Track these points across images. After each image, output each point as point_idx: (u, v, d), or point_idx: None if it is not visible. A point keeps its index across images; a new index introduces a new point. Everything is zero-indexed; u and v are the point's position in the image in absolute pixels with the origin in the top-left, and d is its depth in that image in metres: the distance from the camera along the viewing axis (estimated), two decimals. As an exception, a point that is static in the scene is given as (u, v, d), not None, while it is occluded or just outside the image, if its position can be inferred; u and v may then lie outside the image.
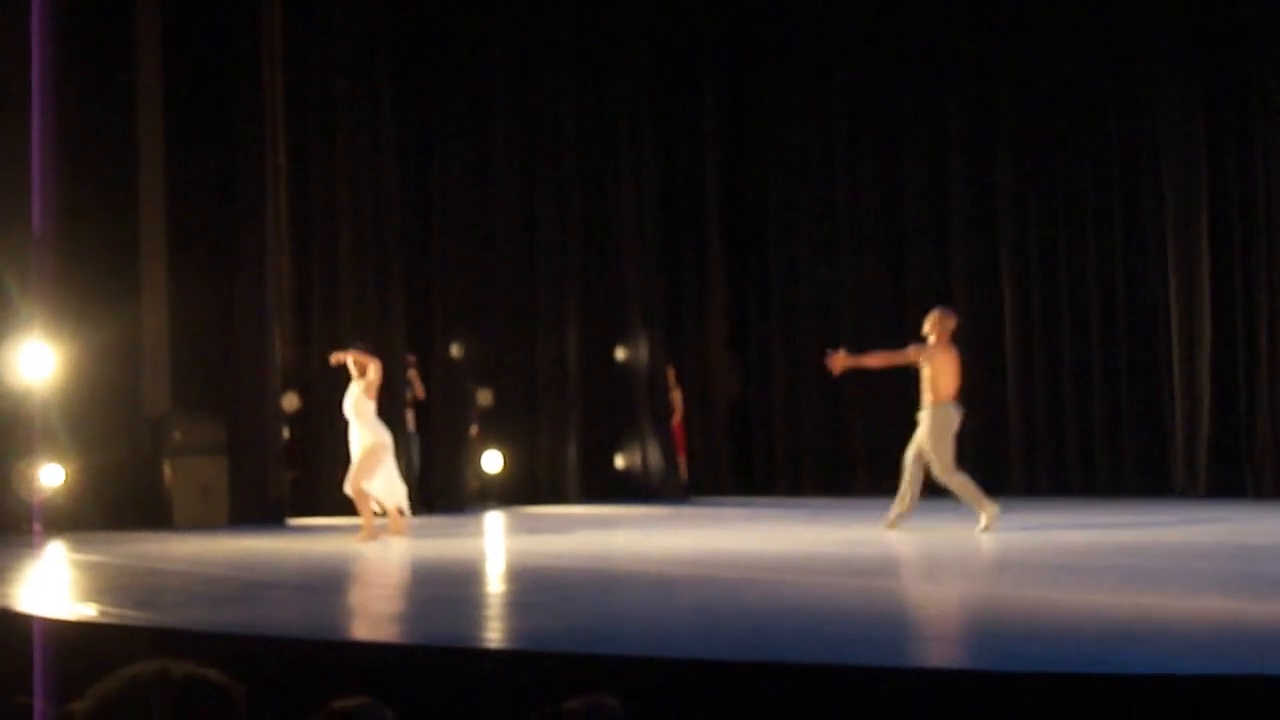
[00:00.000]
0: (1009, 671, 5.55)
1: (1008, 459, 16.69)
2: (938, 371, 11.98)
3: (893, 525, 12.05)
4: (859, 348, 17.73)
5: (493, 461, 17.30)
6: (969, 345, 17.20)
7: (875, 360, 12.76)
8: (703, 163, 18.72)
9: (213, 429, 14.76)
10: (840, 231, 18.21)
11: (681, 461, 18.16)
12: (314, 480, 15.67)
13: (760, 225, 18.87)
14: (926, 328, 12.22)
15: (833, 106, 18.25)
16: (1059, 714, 5.00)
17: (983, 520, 11.67)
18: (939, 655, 6.69)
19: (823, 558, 10.68)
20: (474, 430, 17.07)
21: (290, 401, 15.60)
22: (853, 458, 17.91)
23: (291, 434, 15.64)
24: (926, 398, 12.03)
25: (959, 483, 11.83)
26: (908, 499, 12.05)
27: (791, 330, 18.52)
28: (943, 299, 17.40)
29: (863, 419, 17.93)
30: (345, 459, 15.52)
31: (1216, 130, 15.29)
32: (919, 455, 11.96)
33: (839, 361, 12.42)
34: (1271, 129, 14.93)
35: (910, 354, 12.22)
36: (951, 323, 12.29)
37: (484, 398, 17.22)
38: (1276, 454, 14.80)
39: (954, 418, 11.94)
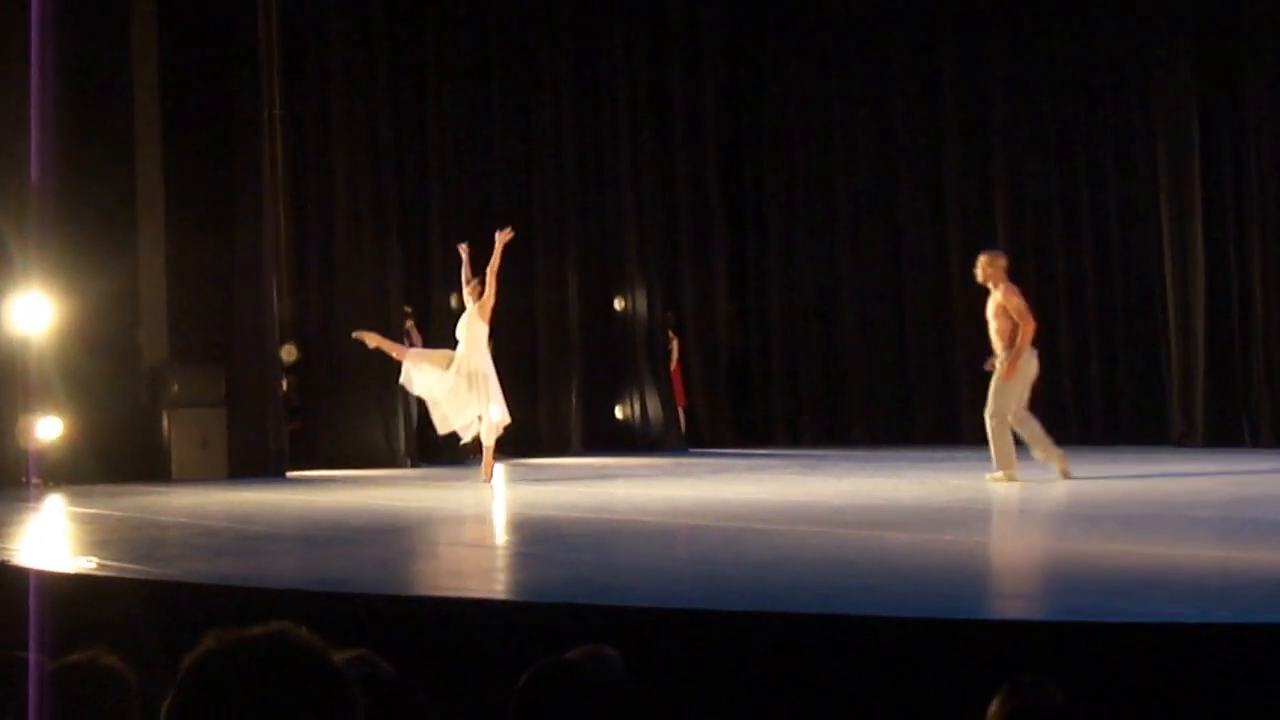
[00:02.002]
0: (1010, 620, 5.54)
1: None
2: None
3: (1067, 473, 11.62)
4: (857, 299, 17.81)
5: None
6: (964, 301, 17.26)
7: (1021, 341, 11.59)
8: (702, 111, 18.64)
9: (211, 381, 14.72)
10: (836, 188, 18.15)
11: (680, 411, 18.15)
12: (313, 432, 15.67)
13: (760, 174, 18.81)
14: (990, 274, 11.71)
15: (831, 70, 18.17)
16: (1063, 663, 4.98)
17: (999, 474, 11.50)
18: (936, 605, 6.68)
19: (821, 508, 10.66)
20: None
21: (289, 353, 15.57)
22: (851, 409, 17.92)
23: (290, 386, 15.60)
24: (1000, 343, 11.56)
25: (1024, 421, 11.48)
26: (1045, 441, 11.67)
27: (791, 281, 18.50)
28: (938, 259, 17.45)
29: (861, 371, 17.93)
30: (352, 410, 15.46)
31: (1209, 83, 15.22)
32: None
33: (1008, 370, 11.55)
34: (1263, 88, 14.84)
35: (1023, 309, 11.52)
36: (1004, 261, 11.90)
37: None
38: (1274, 403, 14.77)
39: (1033, 362, 11.58)
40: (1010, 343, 11.49)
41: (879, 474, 13.15)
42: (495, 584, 7.39)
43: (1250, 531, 8.55)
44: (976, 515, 10.06)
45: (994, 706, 3.04)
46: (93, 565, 7.80)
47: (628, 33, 18.06)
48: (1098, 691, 4.65)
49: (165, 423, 14.53)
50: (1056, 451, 11.59)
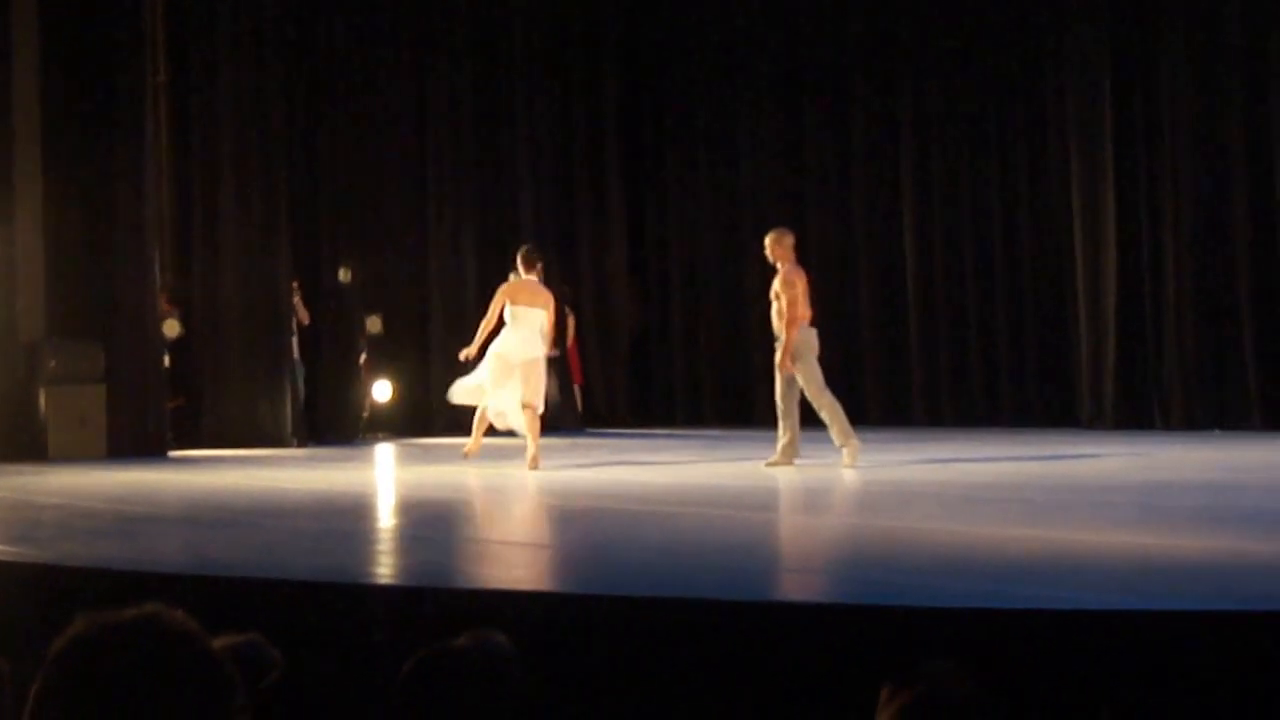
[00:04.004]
0: (912, 606, 5.46)
1: (910, 390, 16.66)
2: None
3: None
4: (760, 275, 17.68)
5: (383, 391, 17.02)
6: (872, 277, 17.27)
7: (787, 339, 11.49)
8: (602, 84, 18.48)
9: (90, 356, 14.36)
10: (740, 157, 18.04)
11: (576, 390, 17.99)
12: (196, 411, 15.38)
13: (660, 149, 18.68)
14: (778, 253, 11.61)
15: (736, 30, 18.05)
16: (966, 648, 4.88)
17: (846, 457, 11.40)
18: (837, 590, 6.60)
19: (721, 490, 10.58)
20: (363, 359, 16.79)
21: (171, 328, 15.25)
22: (752, 388, 17.81)
23: (172, 362, 15.29)
24: (779, 323, 11.46)
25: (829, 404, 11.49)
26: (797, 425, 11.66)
27: (692, 258, 18.38)
28: (844, 233, 17.40)
29: (762, 349, 17.83)
30: (237, 387, 15.23)
31: (1120, 62, 15.23)
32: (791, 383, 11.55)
33: (784, 363, 11.46)
34: (1177, 71, 14.88)
35: (796, 298, 11.42)
36: (791, 240, 11.76)
37: (373, 325, 16.90)
38: (1184, 385, 14.83)
39: (815, 340, 11.55)
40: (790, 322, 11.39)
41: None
42: (383, 568, 7.30)
43: (1159, 516, 8.54)
44: (884, 500, 9.99)
45: (890, 694, 2.95)
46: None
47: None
48: (1004, 678, 4.56)
49: (42, 400, 14.18)
50: (793, 440, 11.48)
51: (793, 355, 11.42)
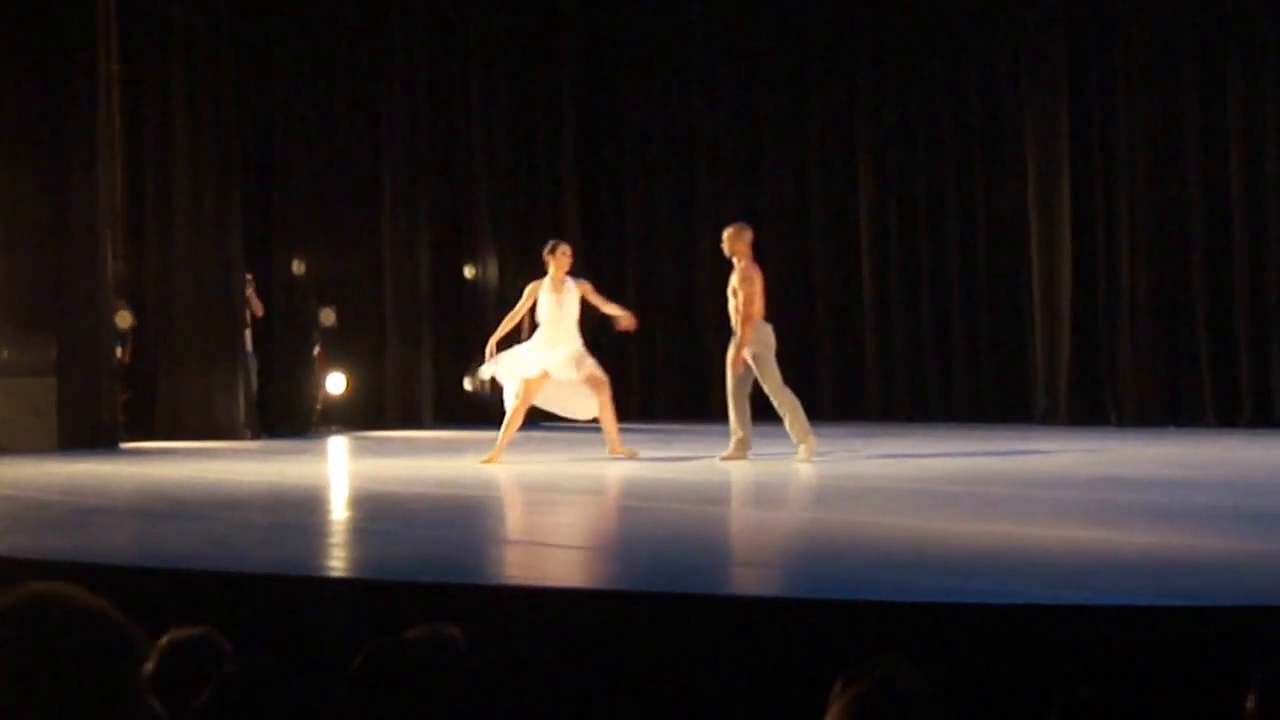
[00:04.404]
0: (865, 600, 5.46)
1: (865, 385, 16.69)
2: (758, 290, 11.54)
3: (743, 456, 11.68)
4: (716, 273, 17.68)
5: (336, 383, 16.94)
6: (826, 269, 17.28)
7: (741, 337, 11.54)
8: (558, 76, 18.40)
9: (41, 346, 14.25)
10: (697, 155, 18.03)
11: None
12: (148, 402, 15.26)
13: (616, 142, 18.62)
14: (737, 248, 11.58)
15: (692, 28, 18.04)
16: (920, 643, 4.89)
17: (801, 451, 11.42)
18: (790, 584, 6.61)
19: (674, 484, 10.57)
20: (316, 351, 16.71)
21: (123, 318, 15.14)
22: (710, 382, 17.77)
23: (124, 353, 15.17)
24: (737, 320, 11.47)
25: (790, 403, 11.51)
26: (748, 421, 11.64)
27: (647, 251, 18.34)
28: (800, 228, 17.40)
29: (718, 343, 17.81)
30: (190, 379, 15.13)
31: (1077, 61, 15.28)
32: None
33: (735, 363, 11.55)
34: (1134, 67, 14.94)
35: (752, 296, 11.44)
36: (750, 235, 11.72)
37: (327, 317, 16.82)
38: (1138, 382, 14.90)
39: (771, 337, 11.54)
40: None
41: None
42: (336, 560, 7.26)
43: (1112, 512, 8.57)
44: (840, 494, 10.01)
45: (839, 687, 2.96)
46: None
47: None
48: (957, 672, 4.57)
49: (-8, 390, 14.05)
50: (746, 435, 11.47)
51: (752, 353, 11.41)
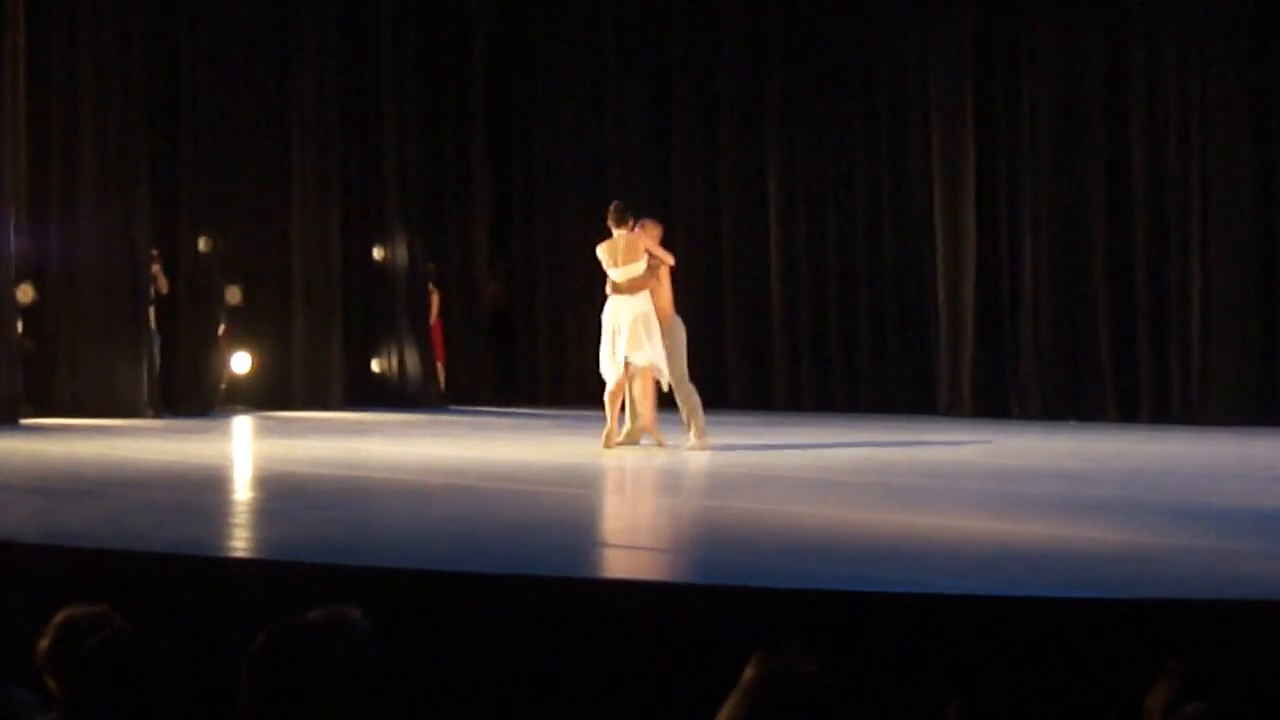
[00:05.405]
0: (766, 587, 5.49)
1: (771, 374, 16.73)
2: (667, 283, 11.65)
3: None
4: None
5: (241, 363, 16.77)
6: (735, 262, 17.31)
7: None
8: (468, 58, 18.27)
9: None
10: (607, 137, 17.98)
11: (440, 367, 17.85)
12: (49, 378, 15.02)
13: (527, 129, 18.53)
14: (648, 243, 11.62)
15: (604, 10, 17.97)
16: (820, 630, 4.92)
17: (695, 442, 11.45)
18: (692, 570, 6.62)
19: (583, 470, 10.56)
20: (222, 329, 16.53)
21: (25, 293, 14.89)
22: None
23: (25, 328, 14.93)
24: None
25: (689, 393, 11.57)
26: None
27: (557, 235, 18.26)
28: (710, 211, 17.42)
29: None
30: (92, 355, 14.88)
31: (982, 55, 15.38)
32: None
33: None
34: (1040, 58, 15.06)
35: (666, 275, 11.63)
36: (658, 231, 11.86)
37: (233, 296, 16.63)
38: (1041, 374, 15.05)
39: (683, 332, 11.66)
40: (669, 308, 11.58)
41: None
42: (237, 541, 7.19)
43: (1013, 503, 8.66)
44: (742, 482, 10.04)
45: (746, 673, 2.98)
46: None
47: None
48: (856, 660, 4.60)
49: (-112, 365, 13.77)
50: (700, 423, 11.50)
51: (665, 345, 11.41)
